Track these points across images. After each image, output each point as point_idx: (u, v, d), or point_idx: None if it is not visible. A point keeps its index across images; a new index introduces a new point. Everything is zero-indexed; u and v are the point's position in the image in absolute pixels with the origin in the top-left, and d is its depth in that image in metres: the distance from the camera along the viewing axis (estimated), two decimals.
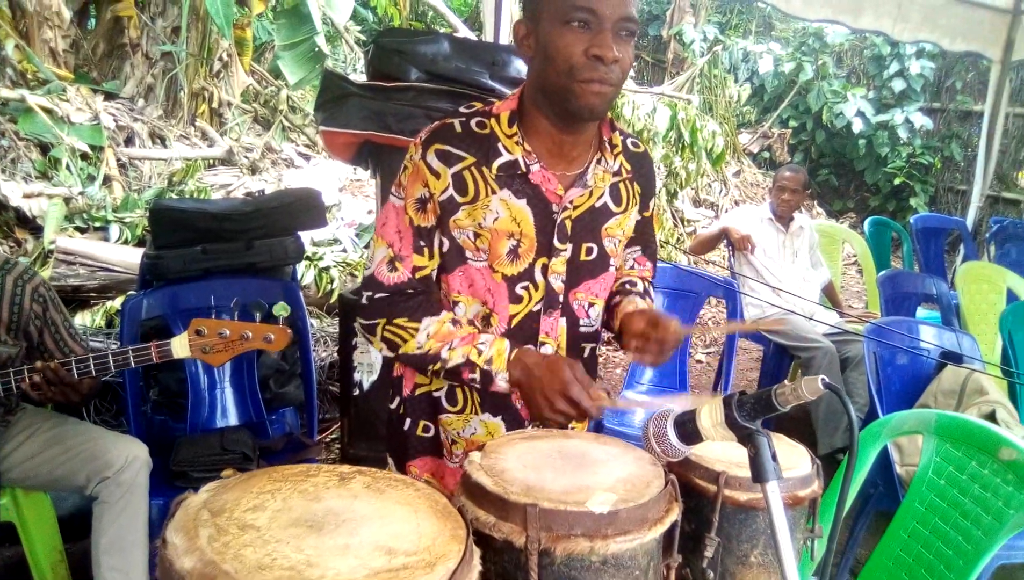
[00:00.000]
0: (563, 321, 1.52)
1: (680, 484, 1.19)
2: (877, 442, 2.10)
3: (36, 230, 4.58)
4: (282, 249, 3.07)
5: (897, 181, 9.70)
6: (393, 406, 1.65)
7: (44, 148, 5.22)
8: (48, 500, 2.35)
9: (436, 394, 1.57)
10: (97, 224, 4.76)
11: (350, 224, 5.65)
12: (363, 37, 8.68)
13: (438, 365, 1.43)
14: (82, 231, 4.72)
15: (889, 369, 3.06)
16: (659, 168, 7.17)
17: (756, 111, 10.48)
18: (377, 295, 1.46)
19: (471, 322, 1.49)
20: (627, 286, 1.64)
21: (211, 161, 6.35)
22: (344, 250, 5.17)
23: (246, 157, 6.53)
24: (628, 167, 1.54)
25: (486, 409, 1.55)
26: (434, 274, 1.49)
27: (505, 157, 1.41)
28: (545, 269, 1.47)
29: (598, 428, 3.04)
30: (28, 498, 2.26)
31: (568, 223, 1.46)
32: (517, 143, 1.42)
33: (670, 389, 3.45)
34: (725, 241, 4.27)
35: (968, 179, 9.11)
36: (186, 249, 2.88)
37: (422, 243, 1.45)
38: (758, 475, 1.00)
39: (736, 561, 1.31)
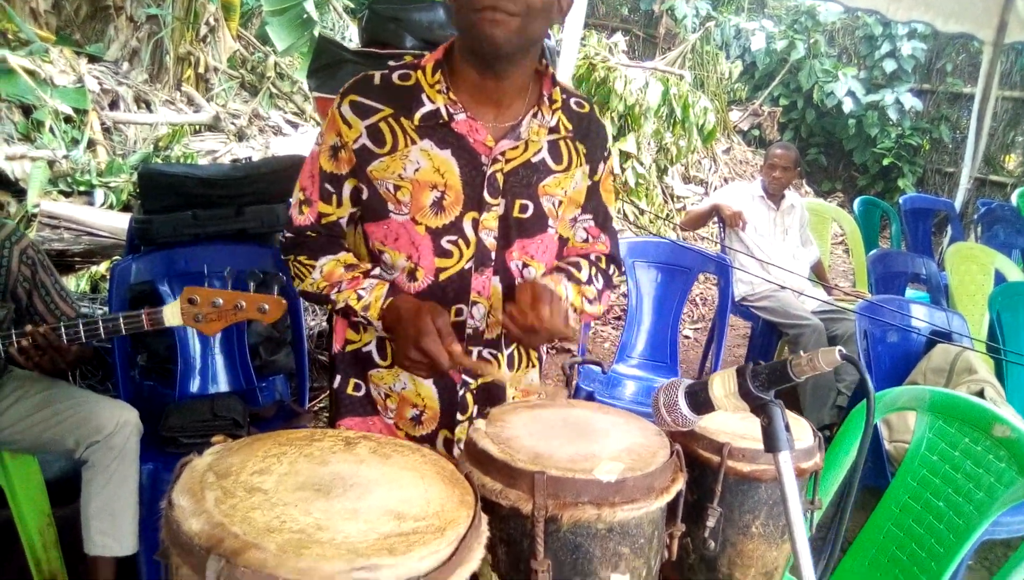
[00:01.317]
0: (496, 281, 1.48)
1: (684, 454, 1.19)
2: None
3: (19, 193, 4.49)
4: (273, 215, 3.03)
5: (886, 162, 9.73)
6: (327, 361, 1.64)
7: (26, 110, 5.11)
8: (36, 463, 2.32)
9: (366, 350, 1.55)
10: (82, 188, 4.69)
11: None
12: (351, 4, 8.54)
13: (331, 305, 1.47)
14: (66, 195, 4.64)
15: (880, 347, 3.07)
16: (649, 144, 7.12)
17: (747, 88, 10.42)
18: (287, 234, 1.52)
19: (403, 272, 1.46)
20: (571, 270, 1.53)
21: (197, 127, 6.24)
22: None
23: (233, 123, 6.42)
24: (568, 125, 1.49)
25: None
26: (343, 221, 1.50)
27: (427, 107, 1.40)
28: (476, 224, 1.43)
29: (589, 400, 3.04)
30: (15, 461, 2.23)
31: (500, 177, 1.42)
32: (440, 92, 1.40)
33: (660, 363, 3.46)
34: (716, 218, 4.27)
35: (956, 161, 9.17)
36: (176, 214, 2.83)
37: (330, 189, 1.47)
38: (771, 445, 1.00)
39: (738, 531, 1.32)
